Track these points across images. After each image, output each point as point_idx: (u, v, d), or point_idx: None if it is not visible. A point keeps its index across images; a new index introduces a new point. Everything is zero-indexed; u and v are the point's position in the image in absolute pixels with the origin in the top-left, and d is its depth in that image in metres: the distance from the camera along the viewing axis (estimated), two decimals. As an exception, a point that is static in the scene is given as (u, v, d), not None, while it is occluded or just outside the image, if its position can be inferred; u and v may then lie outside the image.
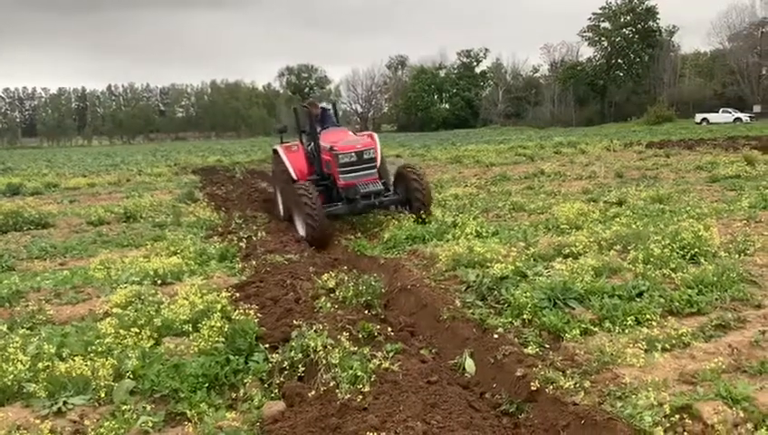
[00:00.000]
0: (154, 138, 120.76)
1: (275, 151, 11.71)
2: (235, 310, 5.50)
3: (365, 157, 10.10)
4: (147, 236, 10.43)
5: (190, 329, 5.27)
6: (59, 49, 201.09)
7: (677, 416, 3.47)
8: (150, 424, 3.92)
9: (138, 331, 5.06)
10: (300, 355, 4.49)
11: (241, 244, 9.03)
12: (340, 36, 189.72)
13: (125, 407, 4.03)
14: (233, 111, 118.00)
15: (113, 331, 5.09)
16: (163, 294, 6.37)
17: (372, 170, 10.18)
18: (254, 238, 9.38)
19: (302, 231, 9.84)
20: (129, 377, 4.47)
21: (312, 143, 11.11)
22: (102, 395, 4.24)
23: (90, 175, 25.72)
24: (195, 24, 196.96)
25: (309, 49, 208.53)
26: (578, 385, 4.03)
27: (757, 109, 65.06)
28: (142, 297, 6.22)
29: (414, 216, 9.94)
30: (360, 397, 3.78)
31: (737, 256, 6.75)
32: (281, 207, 11.95)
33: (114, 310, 5.82)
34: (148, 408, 4.09)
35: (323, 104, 12.80)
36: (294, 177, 10.80)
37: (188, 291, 6.09)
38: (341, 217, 10.81)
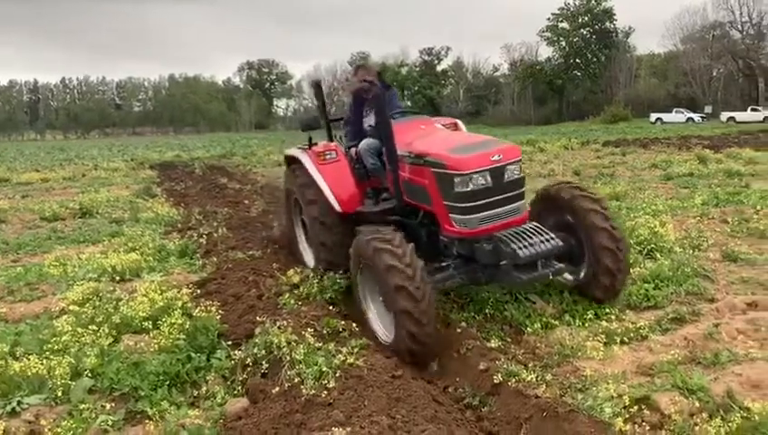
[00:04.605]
0: (110, 132, 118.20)
1: (293, 161, 6.87)
2: (197, 307, 5.42)
3: (506, 178, 5.10)
4: (104, 232, 10.23)
5: (150, 326, 5.19)
6: (9, 39, 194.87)
7: (636, 407, 3.58)
8: (110, 423, 3.86)
9: (96, 328, 4.95)
10: (263, 352, 4.45)
11: (201, 240, 8.89)
12: (301, 32, 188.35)
13: (83, 406, 3.96)
14: (191, 105, 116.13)
15: (70, 328, 4.98)
16: (122, 291, 6.25)
17: (520, 203, 5.25)
18: (215, 235, 9.22)
19: (383, 331, 4.95)
20: (87, 375, 4.38)
21: (362, 144, 6.40)
22: (59, 394, 4.16)
23: (43, 170, 25.10)
24: (152, 16, 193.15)
25: (269, 44, 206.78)
26: (540, 378, 4.11)
27: (708, 109, 66.95)
28: (100, 294, 6.09)
29: (585, 294, 5.49)
30: (326, 392, 3.77)
31: (691, 251, 6.96)
32: (307, 253, 7.14)
33: (71, 307, 5.69)
34: (108, 407, 4.01)
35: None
36: (338, 208, 6.11)
37: (148, 288, 5.98)
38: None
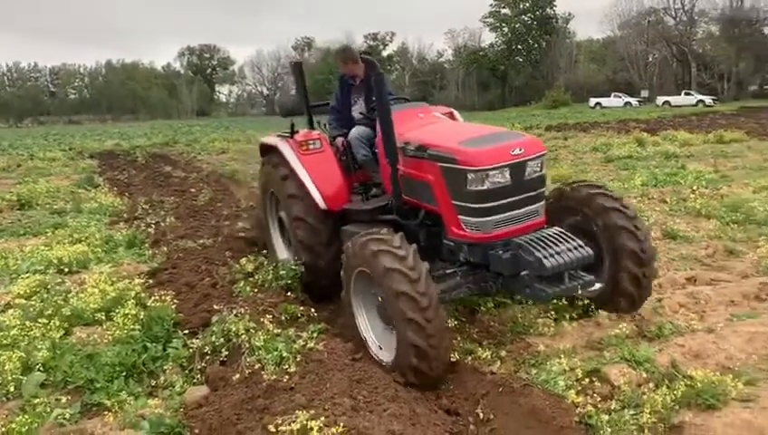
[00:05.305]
0: (45, 121, 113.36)
1: (269, 150, 6.18)
2: (150, 297, 5.35)
3: (527, 175, 4.45)
4: (46, 223, 9.89)
5: (103, 317, 5.11)
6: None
7: (588, 379, 3.76)
8: (66, 416, 3.79)
9: (46, 321, 4.85)
10: (222, 340, 4.44)
11: (149, 230, 8.73)
12: (243, 16, 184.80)
13: (36, 401, 3.88)
14: (130, 92, 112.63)
15: (18, 322, 4.86)
16: (71, 283, 6.11)
17: (540, 204, 4.58)
18: (163, 224, 9.07)
19: (378, 348, 4.40)
20: (39, 369, 4.30)
21: (353, 132, 5.87)
22: (11, 389, 4.06)
23: (-26, 160, 23.95)
24: None
25: (210, 29, 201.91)
26: (494, 355, 4.27)
27: (645, 93, 68.99)
28: (48, 287, 5.94)
29: (601, 305, 4.96)
30: (287, 377, 3.80)
31: (634, 230, 7.21)
32: (282, 254, 6.49)
33: (17, 301, 5.55)
34: (63, 400, 3.93)
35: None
36: (322, 205, 5.52)
37: (97, 279, 5.88)
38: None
